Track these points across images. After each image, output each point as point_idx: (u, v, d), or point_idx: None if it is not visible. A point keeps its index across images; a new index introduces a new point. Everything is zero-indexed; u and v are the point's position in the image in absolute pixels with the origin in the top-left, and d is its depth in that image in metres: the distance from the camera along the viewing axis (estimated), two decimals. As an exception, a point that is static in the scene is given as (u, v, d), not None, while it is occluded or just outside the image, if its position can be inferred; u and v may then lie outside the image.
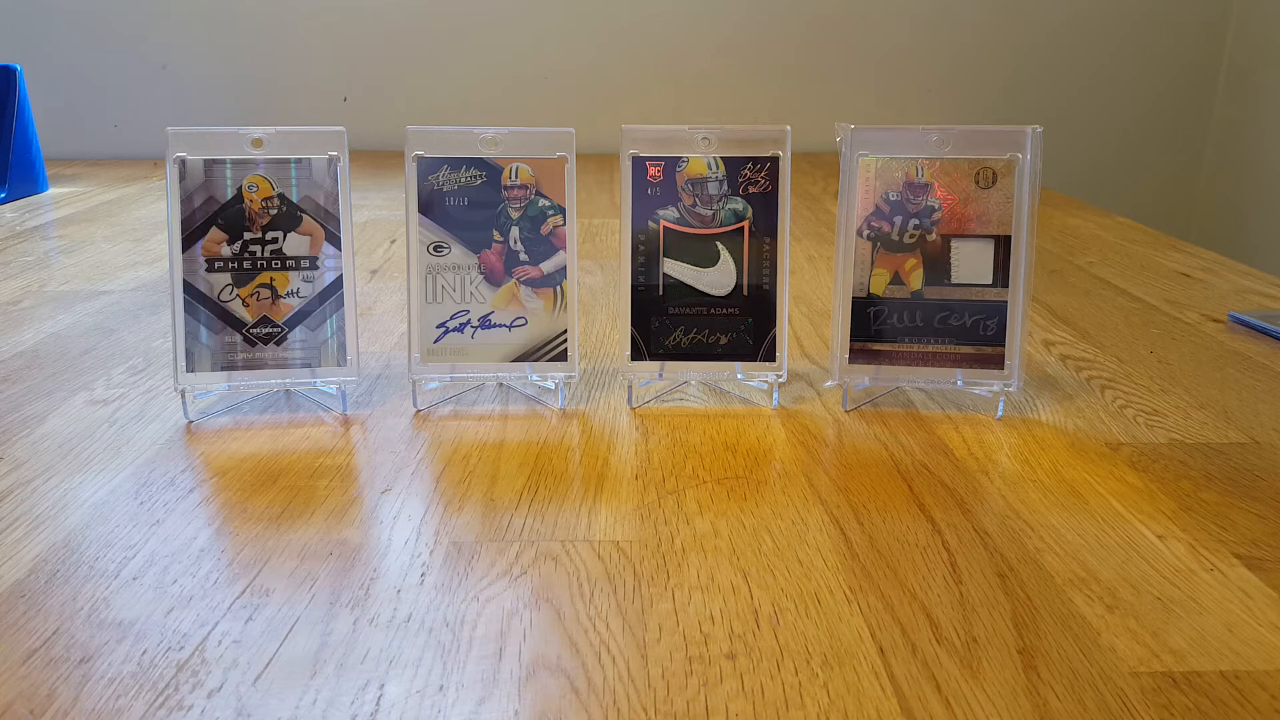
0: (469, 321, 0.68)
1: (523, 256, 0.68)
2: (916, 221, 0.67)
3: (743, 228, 0.68)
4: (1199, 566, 0.50)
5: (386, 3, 1.84)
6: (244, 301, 0.66)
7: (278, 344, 0.67)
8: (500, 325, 0.68)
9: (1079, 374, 0.77)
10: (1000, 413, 0.68)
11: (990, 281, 0.67)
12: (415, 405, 0.69)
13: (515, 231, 0.67)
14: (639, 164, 0.67)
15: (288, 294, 0.67)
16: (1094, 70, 1.93)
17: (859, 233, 0.67)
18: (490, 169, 0.67)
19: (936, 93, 1.93)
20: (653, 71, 1.89)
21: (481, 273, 0.68)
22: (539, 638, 0.43)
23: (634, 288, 0.68)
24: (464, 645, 0.43)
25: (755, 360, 0.69)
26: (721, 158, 0.67)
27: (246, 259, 0.66)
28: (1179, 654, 0.43)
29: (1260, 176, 1.85)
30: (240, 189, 0.65)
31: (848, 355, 0.68)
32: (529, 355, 0.69)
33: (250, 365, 0.67)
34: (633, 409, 0.69)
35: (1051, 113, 1.92)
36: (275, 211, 0.66)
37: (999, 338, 0.67)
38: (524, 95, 1.89)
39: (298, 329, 0.67)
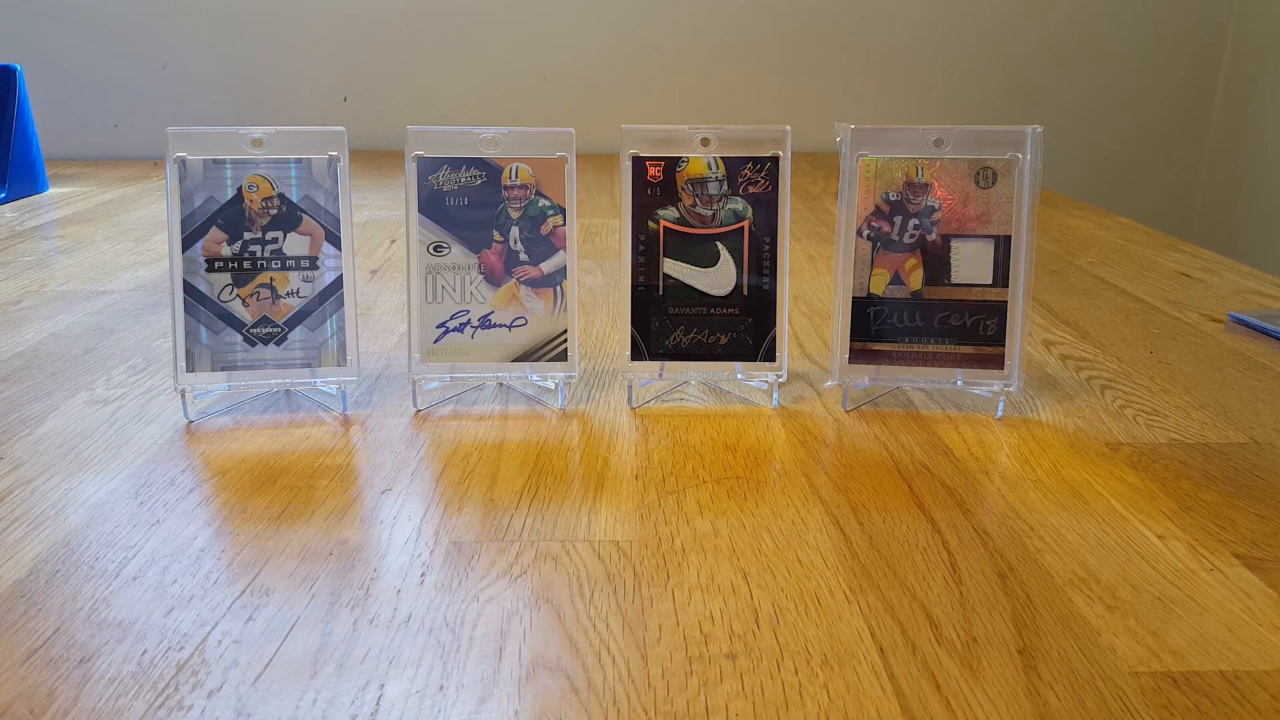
0: (469, 321, 0.68)
1: (523, 256, 0.68)
2: (916, 221, 0.67)
3: (743, 228, 0.68)
4: (1199, 566, 0.50)
5: (386, 3, 1.84)
6: (244, 301, 0.66)
7: (278, 344, 0.67)
8: (500, 325, 0.68)
9: (1079, 374, 0.77)
10: (1000, 413, 0.68)
11: (990, 281, 0.67)
12: (415, 405, 0.69)
13: (515, 231, 0.68)
14: (639, 164, 0.67)
15: (288, 294, 0.67)
16: (1094, 70, 1.93)
17: (859, 233, 0.67)
18: (490, 169, 0.67)
19: (936, 93, 1.93)
20: (653, 71, 1.90)
21: (481, 273, 0.68)
22: (539, 638, 0.43)
23: (634, 288, 0.68)
24: (464, 645, 0.43)
25: (755, 360, 0.69)
26: (721, 158, 0.67)
27: (246, 259, 0.66)
28: (1179, 654, 0.43)
29: (1260, 176, 1.85)
30: (240, 189, 0.65)
31: (848, 355, 0.68)
32: (529, 355, 0.69)
33: (250, 365, 0.67)
34: (633, 409, 0.69)
35: (1052, 113, 1.92)
36: (275, 211, 0.66)
37: (999, 338, 0.67)
38: (524, 95, 1.89)
39: (298, 329, 0.67)
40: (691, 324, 0.68)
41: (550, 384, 0.70)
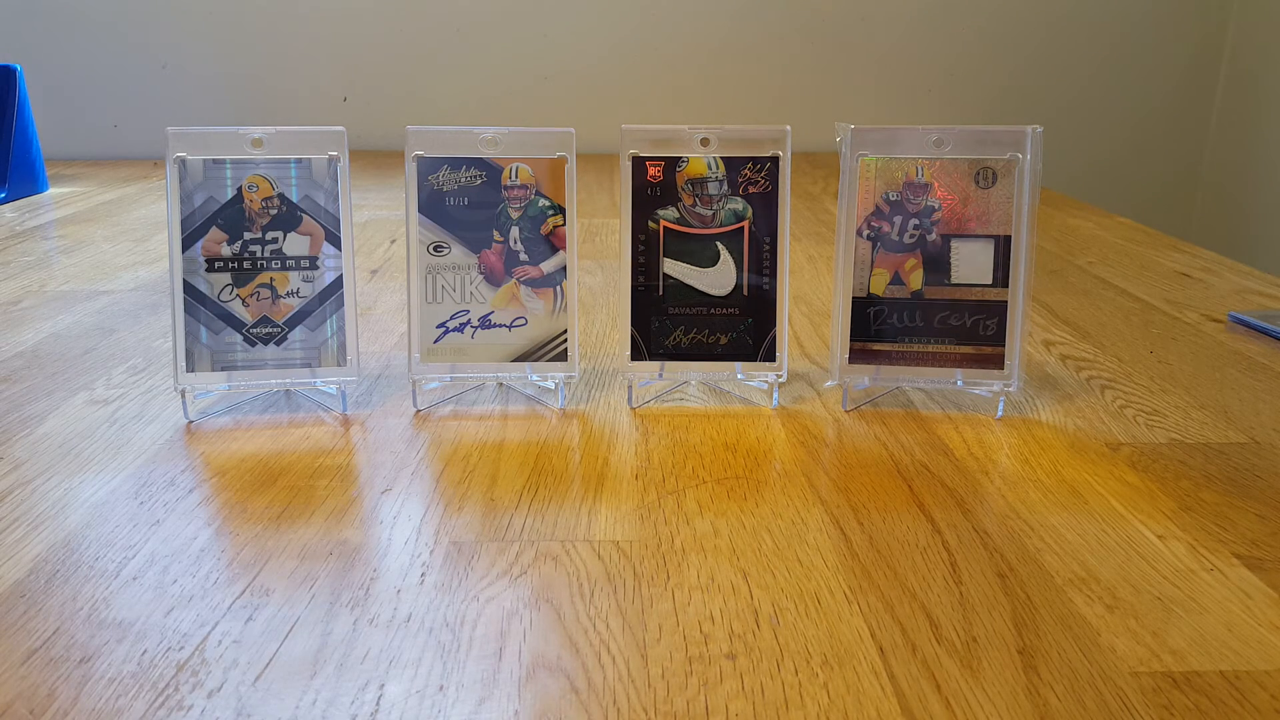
0: (469, 321, 0.68)
1: (523, 256, 0.68)
2: (916, 221, 0.67)
3: (743, 228, 0.68)
4: (1199, 566, 0.50)
5: (386, 3, 1.84)
6: (244, 301, 0.66)
7: (278, 344, 0.67)
8: (500, 325, 0.68)
9: (1079, 374, 0.77)
10: (1000, 413, 0.68)
11: (990, 281, 0.67)
12: (415, 405, 0.69)
13: (515, 231, 0.68)
14: (639, 164, 0.67)
15: (288, 294, 0.67)
16: (1094, 70, 1.93)
17: (859, 233, 0.67)
18: (490, 169, 0.67)
19: (936, 93, 1.93)
20: (653, 71, 1.89)
21: (481, 273, 0.68)
22: (539, 638, 0.43)
23: (634, 288, 0.68)
24: (464, 645, 0.43)
25: (755, 360, 0.69)
26: (721, 158, 0.67)
27: (246, 259, 0.66)
28: (1179, 654, 0.43)
29: (1260, 176, 1.85)
30: (240, 189, 0.65)
31: (848, 355, 0.68)
32: (529, 355, 0.69)
33: (250, 365, 0.67)
34: (633, 409, 0.69)
35: (1051, 113, 1.92)
36: (275, 211, 0.66)
37: (999, 338, 0.67)
38: (524, 95, 1.89)
39: (298, 329, 0.67)
40: (691, 324, 0.68)
41: (550, 384, 0.70)
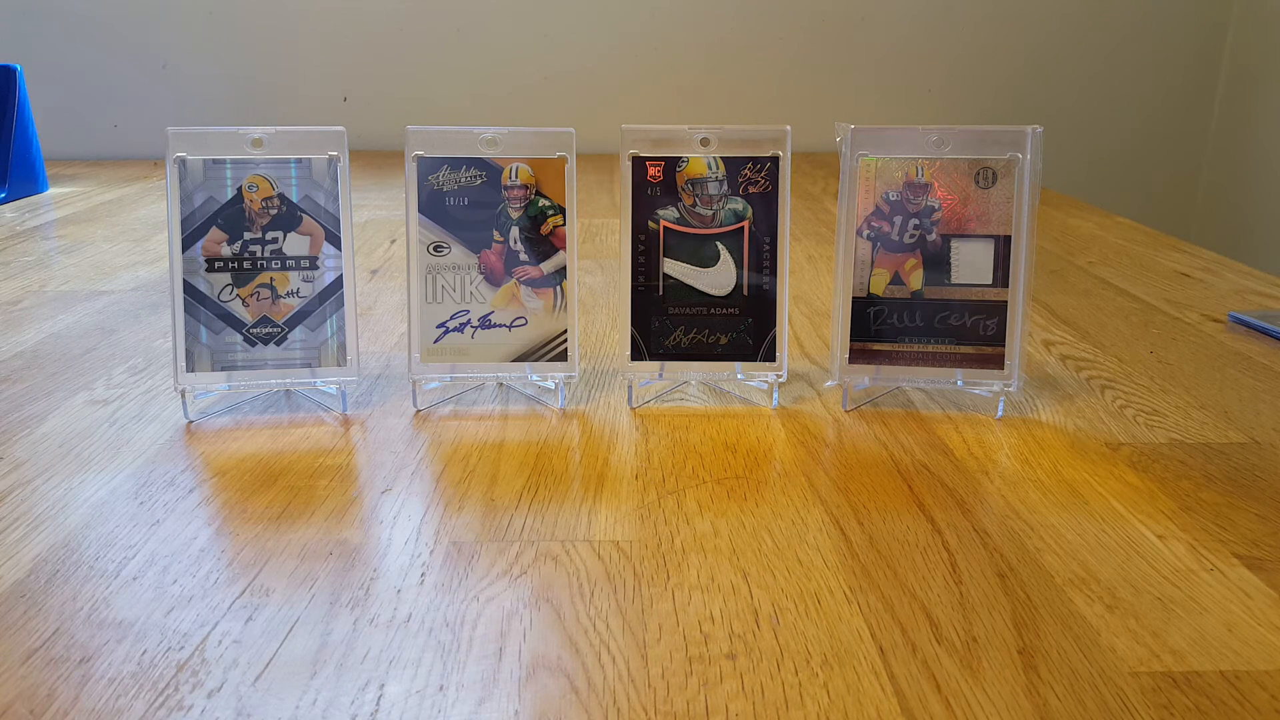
0: (469, 321, 0.68)
1: (523, 256, 0.68)
2: (916, 221, 0.67)
3: (743, 228, 0.68)
4: (1199, 566, 0.50)
5: (386, 3, 1.84)
6: (244, 301, 0.66)
7: (278, 344, 0.67)
8: (500, 325, 0.68)
9: (1079, 374, 0.77)
10: (1000, 413, 0.68)
11: (990, 281, 0.67)
12: (415, 405, 0.69)
13: (515, 231, 0.68)
14: (639, 164, 0.67)
15: (288, 294, 0.67)
16: (1094, 70, 1.93)
17: (859, 233, 0.67)
18: (490, 169, 0.67)
19: (936, 93, 1.93)
20: (653, 71, 1.90)
21: (481, 273, 0.68)
22: (539, 638, 0.43)
23: (634, 288, 0.68)
24: (464, 645, 0.43)
25: (755, 360, 0.69)
26: (721, 158, 0.67)
27: (246, 259, 0.66)
28: (1179, 654, 0.43)
29: (1260, 176, 1.85)
30: (240, 189, 0.65)
31: (848, 355, 0.68)
32: (529, 355, 0.69)
33: (250, 365, 0.67)
34: (633, 409, 0.69)
35: (1051, 113, 1.92)
36: (275, 211, 0.66)
37: (999, 338, 0.67)
38: (524, 95, 1.89)
39: (298, 329, 0.67)
40: (691, 324, 0.68)
41: (550, 384, 0.70)
